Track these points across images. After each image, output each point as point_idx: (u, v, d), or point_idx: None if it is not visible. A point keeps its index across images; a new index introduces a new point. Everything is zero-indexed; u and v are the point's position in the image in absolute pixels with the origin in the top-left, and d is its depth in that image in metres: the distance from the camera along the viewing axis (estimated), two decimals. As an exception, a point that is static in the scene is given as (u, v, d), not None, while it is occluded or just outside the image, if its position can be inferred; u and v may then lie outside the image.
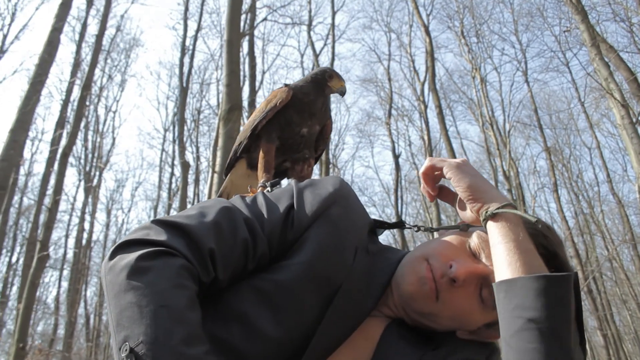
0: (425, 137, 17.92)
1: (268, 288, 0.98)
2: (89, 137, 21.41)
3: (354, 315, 1.04)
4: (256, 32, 16.63)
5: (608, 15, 11.32)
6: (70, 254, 21.43)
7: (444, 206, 26.28)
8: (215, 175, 5.91)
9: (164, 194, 21.11)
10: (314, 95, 1.60)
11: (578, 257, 16.21)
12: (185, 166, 13.28)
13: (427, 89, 17.94)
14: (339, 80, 1.62)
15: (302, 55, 20.61)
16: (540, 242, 1.03)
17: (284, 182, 1.67)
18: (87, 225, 20.68)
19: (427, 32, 17.41)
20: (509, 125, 19.56)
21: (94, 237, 21.90)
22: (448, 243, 1.10)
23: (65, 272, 21.60)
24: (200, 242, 0.92)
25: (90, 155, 21.23)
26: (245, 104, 10.77)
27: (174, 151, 19.84)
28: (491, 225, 0.99)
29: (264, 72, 18.92)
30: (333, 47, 18.70)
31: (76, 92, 13.12)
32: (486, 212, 1.00)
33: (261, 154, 1.59)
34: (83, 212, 20.36)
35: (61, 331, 19.84)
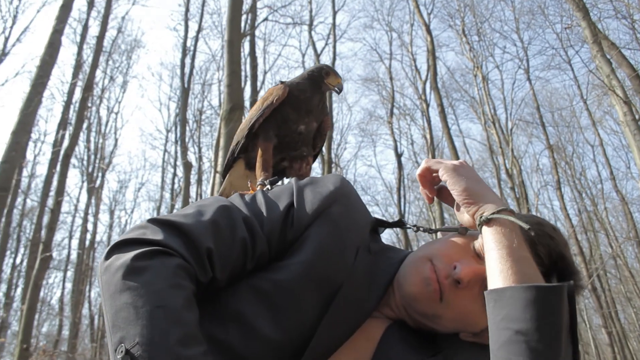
0: (428, 136, 17.91)
1: (267, 288, 0.96)
2: (92, 139, 21.44)
3: (354, 316, 1.03)
4: (257, 33, 16.66)
5: (610, 12, 11.30)
6: (73, 255, 21.47)
7: (447, 205, 26.02)
8: (218, 176, 5.92)
9: (167, 195, 21.13)
10: (310, 92, 1.59)
11: (582, 255, 16.16)
12: (187, 167, 13.28)
13: (429, 87, 17.92)
14: (335, 77, 1.60)
15: (303, 55, 20.59)
16: (547, 243, 1.02)
17: (283, 181, 1.66)
18: (90, 227, 20.71)
19: (428, 31, 17.39)
20: (511, 123, 19.52)
21: (97, 238, 21.92)
22: (452, 243, 1.09)
23: (69, 273, 21.66)
24: (197, 242, 0.91)
25: (92, 157, 21.26)
26: (246, 104, 10.76)
27: (176, 152, 19.89)
28: (485, 231, 0.96)
29: (265, 72, 18.93)
30: (334, 47, 18.68)
31: (78, 94, 13.16)
32: (480, 216, 0.97)
33: (259, 152, 1.58)
34: (86, 214, 20.39)
35: (66, 332, 19.85)
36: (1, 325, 16.55)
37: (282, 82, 1.62)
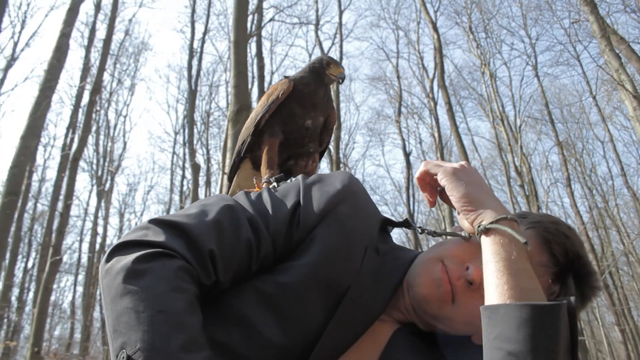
0: (436, 134, 17.85)
1: (271, 290, 0.94)
2: (100, 142, 21.55)
3: (361, 320, 1.00)
4: (264, 33, 16.66)
5: (618, 6, 11.21)
6: (84, 259, 21.62)
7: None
8: (226, 177, 5.91)
9: (176, 197, 21.19)
10: (314, 85, 1.57)
11: (593, 252, 16.04)
12: (195, 168, 13.31)
13: (437, 85, 17.85)
14: (337, 66, 1.58)
15: (310, 55, 20.56)
16: (563, 242, 0.99)
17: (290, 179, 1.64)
18: (100, 230, 20.80)
19: (435, 29, 17.32)
20: (519, 120, 19.41)
21: (108, 242, 21.95)
22: (464, 244, 1.06)
23: (80, 277, 21.80)
24: (199, 243, 0.89)
25: (101, 160, 21.37)
26: (254, 105, 10.78)
27: (184, 154, 19.95)
28: (484, 241, 0.92)
29: (272, 73, 18.92)
30: (341, 46, 18.64)
31: (86, 97, 13.22)
32: (479, 225, 0.93)
33: (264, 149, 1.56)
34: (96, 217, 20.51)
35: (78, 335, 20.00)
36: (14, 328, 16.69)
37: (286, 77, 1.60)
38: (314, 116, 1.58)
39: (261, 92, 13.14)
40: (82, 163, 19.88)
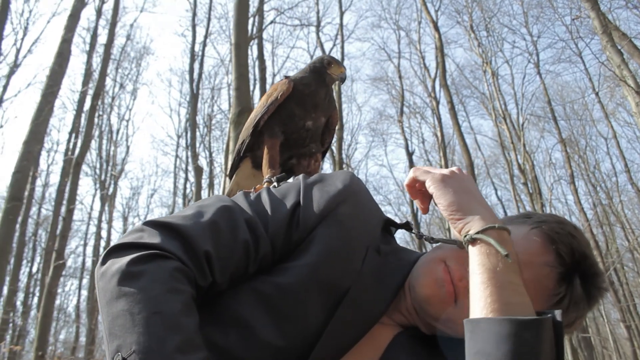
0: (438, 134, 17.84)
1: (269, 291, 0.93)
2: (103, 146, 21.60)
3: (361, 322, 0.98)
4: (265, 35, 16.69)
5: (620, 2, 11.19)
6: (88, 263, 21.66)
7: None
8: (228, 179, 5.91)
9: (179, 200, 21.19)
10: (315, 85, 1.55)
11: (598, 249, 15.96)
12: (198, 171, 13.32)
13: (439, 85, 17.83)
14: (338, 66, 1.56)
15: (311, 57, 20.53)
16: (569, 241, 0.97)
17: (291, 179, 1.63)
18: (104, 234, 20.83)
19: (436, 28, 17.30)
20: (522, 118, 19.36)
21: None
22: None
23: (85, 281, 21.83)
24: (195, 244, 0.88)
25: (105, 164, 21.43)
26: (255, 107, 10.77)
27: (187, 157, 19.92)
28: (470, 251, 0.89)
29: (274, 75, 18.92)
30: (342, 47, 18.63)
31: (88, 102, 13.24)
32: (465, 235, 0.91)
33: (265, 149, 1.55)
34: (100, 221, 20.57)
35: (83, 339, 20.02)
36: (19, 333, 16.72)
37: (286, 77, 1.58)
38: (315, 117, 1.57)
39: (263, 94, 13.12)
40: (85, 168, 19.99)
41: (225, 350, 0.87)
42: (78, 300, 22.10)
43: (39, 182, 19.84)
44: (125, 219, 24.30)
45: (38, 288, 19.37)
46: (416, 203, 1.08)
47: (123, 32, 21.07)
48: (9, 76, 13.90)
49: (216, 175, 18.63)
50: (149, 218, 0.96)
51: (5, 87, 13.55)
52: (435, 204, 1.01)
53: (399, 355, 1.00)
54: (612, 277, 16.95)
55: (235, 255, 0.92)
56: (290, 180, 1.32)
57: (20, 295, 19.09)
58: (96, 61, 15.28)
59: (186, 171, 20.36)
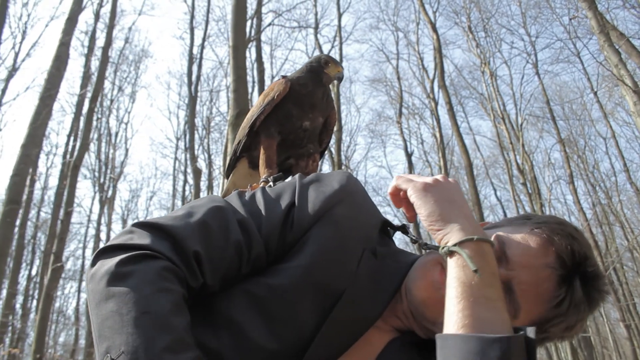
0: (437, 135, 17.85)
1: (262, 293, 0.91)
2: (102, 149, 21.58)
3: (355, 327, 0.96)
4: (263, 38, 16.68)
5: (617, 2, 11.20)
6: (88, 265, 21.63)
7: (459, 203, 25.94)
8: (225, 179, 5.91)
9: (179, 202, 21.15)
10: (312, 85, 1.53)
11: (597, 249, 15.96)
12: (196, 173, 13.29)
13: (437, 86, 17.83)
14: (335, 65, 1.54)
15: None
16: (569, 243, 0.95)
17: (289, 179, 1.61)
18: (103, 236, 20.79)
19: (434, 29, 17.30)
20: (521, 118, 19.37)
21: (111, 248, 22.00)
22: None
23: (84, 284, 21.78)
24: (184, 244, 0.87)
25: (104, 167, 21.41)
26: (254, 108, 10.75)
27: (186, 159, 19.93)
28: (448, 263, 0.87)
29: (272, 77, 18.88)
30: (340, 49, 18.62)
31: (87, 105, 13.23)
32: (442, 247, 0.88)
33: (261, 149, 1.53)
34: (99, 224, 20.54)
35: (82, 341, 19.96)
36: (18, 336, 16.69)
37: (283, 77, 1.57)
38: (312, 117, 1.55)
39: (261, 96, 13.10)
40: (84, 171, 20.00)
41: (216, 353, 0.86)
42: (77, 303, 22.07)
43: (38, 185, 19.84)
44: (124, 221, 24.28)
45: (37, 291, 19.36)
46: (403, 211, 1.05)
47: (121, 35, 21.14)
48: (7, 80, 13.90)
49: (215, 178, 18.63)
50: (139, 220, 0.95)
51: (3, 91, 13.55)
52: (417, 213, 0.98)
53: None
54: (611, 276, 16.95)
55: (226, 256, 0.91)
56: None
57: (20, 299, 19.08)
58: (94, 64, 15.29)
59: (185, 173, 20.35)
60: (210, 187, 18.38)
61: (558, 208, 23.99)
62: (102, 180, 21.10)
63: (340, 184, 1.04)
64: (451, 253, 0.87)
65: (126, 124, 23.12)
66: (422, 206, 0.93)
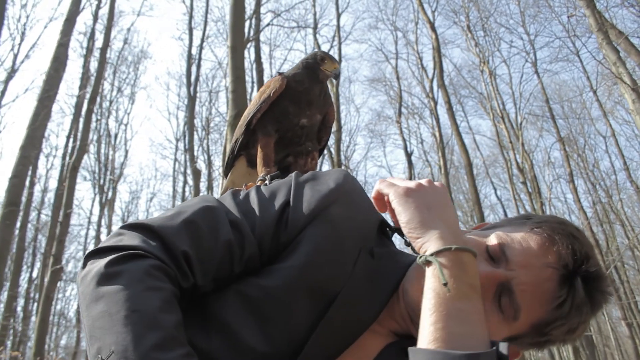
0: (437, 134, 17.84)
1: (255, 294, 0.89)
2: (102, 151, 21.59)
3: (350, 329, 0.94)
4: (262, 38, 16.69)
5: (616, 0, 11.19)
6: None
7: (459, 202, 26.18)
8: (224, 178, 5.91)
9: (179, 204, 21.17)
10: (308, 82, 1.51)
11: (598, 247, 15.97)
12: (196, 174, 13.30)
13: (436, 85, 17.84)
14: (331, 62, 1.51)
15: (308, 59, 20.46)
16: (570, 243, 0.93)
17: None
18: (103, 238, 20.73)
19: (433, 29, 17.31)
20: (520, 117, 19.40)
21: (111, 250, 22.02)
22: None
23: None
24: (172, 244, 0.86)
25: (103, 169, 21.42)
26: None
27: (186, 160, 19.93)
28: (426, 273, 0.84)
29: (271, 77, 18.91)
30: (340, 49, 18.62)
31: (86, 107, 13.24)
32: (420, 257, 0.85)
33: (259, 147, 1.52)
34: (99, 225, 20.56)
35: (84, 344, 19.99)
36: (20, 339, 16.68)
37: (280, 74, 1.55)
38: (309, 114, 1.53)
39: (260, 96, 13.10)
40: (84, 172, 20.01)
41: (208, 355, 0.84)
42: (79, 305, 22.10)
43: (38, 187, 19.90)
44: (124, 223, 24.28)
45: (38, 293, 19.36)
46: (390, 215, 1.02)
47: (120, 36, 21.14)
48: (6, 81, 13.91)
49: (215, 178, 18.61)
50: (128, 222, 0.95)
51: (3, 93, 13.55)
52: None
53: None
54: (612, 275, 16.95)
55: (216, 256, 0.89)
56: None
57: (21, 301, 19.09)
58: (93, 65, 15.31)
59: (185, 174, 20.36)
60: (210, 188, 18.38)
61: (558, 207, 24.03)
62: (102, 182, 21.12)
63: (337, 183, 1.01)
64: (428, 262, 0.83)
65: (126, 125, 23.15)
66: (402, 212, 0.90)
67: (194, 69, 16.30)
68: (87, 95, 12.67)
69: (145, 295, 0.77)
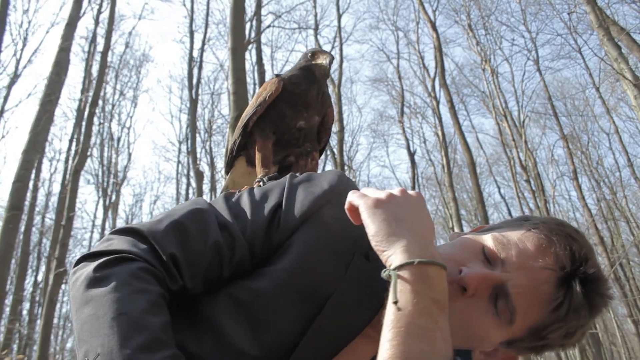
0: (440, 133, 17.80)
1: (245, 297, 0.88)
2: (105, 154, 21.64)
3: (342, 333, 0.92)
4: (263, 40, 16.70)
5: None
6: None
7: (462, 200, 26.15)
8: (224, 177, 5.91)
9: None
10: (305, 84, 1.49)
11: (603, 245, 15.92)
12: (199, 176, 13.30)
13: (438, 84, 17.82)
14: (322, 54, 1.49)
15: (310, 60, 20.45)
16: (568, 244, 0.90)
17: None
18: (108, 242, 20.86)
19: (434, 28, 17.31)
20: (523, 115, 19.35)
21: (116, 253, 22.08)
22: (460, 247, 0.97)
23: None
24: (160, 247, 0.86)
25: (107, 172, 21.46)
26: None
27: (188, 163, 19.94)
28: (390, 288, 0.80)
29: (273, 79, 18.90)
30: (341, 50, 18.66)
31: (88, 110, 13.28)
32: (384, 271, 0.81)
33: (256, 149, 1.51)
34: (103, 229, 20.60)
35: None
36: (26, 342, 16.72)
37: (277, 76, 1.53)
38: (307, 116, 1.51)
39: (261, 97, 13.12)
40: (87, 176, 20.06)
41: (198, 358, 0.84)
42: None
43: (42, 191, 19.95)
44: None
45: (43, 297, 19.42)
46: None
47: (122, 40, 21.20)
48: (9, 87, 13.98)
49: (218, 180, 18.63)
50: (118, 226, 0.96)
51: (6, 98, 13.62)
52: None
53: None
54: (618, 272, 16.90)
55: (205, 258, 0.89)
56: None
57: (26, 305, 19.14)
58: (95, 69, 15.34)
59: (188, 177, 20.37)
60: (213, 190, 18.40)
61: (562, 204, 23.98)
62: (105, 185, 21.17)
63: (330, 185, 1.00)
64: (390, 277, 0.79)
65: (128, 128, 23.25)
66: (369, 224, 0.85)
67: (195, 71, 16.33)
68: (89, 99, 12.70)
69: (132, 298, 0.77)
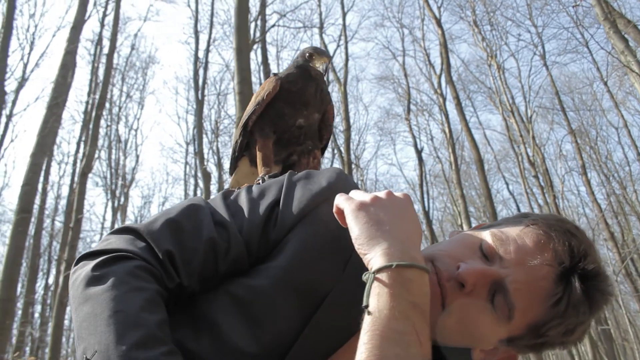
0: (447, 130, 17.75)
1: (242, 294, 0.89)
2: (113, 156, 21.73)
3: (339, 331, 0.92)
4: (269, 39, 16.73)
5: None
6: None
7: (471, 197, 26.06)
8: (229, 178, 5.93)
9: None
10: (302, 82, 1.49)
11: (613, 240, 15.81)
12: (206, 176, 13.32)
13: (444, 81, 17.76)
14: (320, 56, 1.49)
15: (316, 59, 20.47)
16: (567, 239, 0.89)
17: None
18: (117, 243, 20.94)
19: (439, 25, 17.26)
20: (530, 111, 19.22)
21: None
22: (458, 243, 0.96)
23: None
24: (156, 244, 0.87)
25: (115, 174, 21.55)
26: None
27: (196, 164, 19.99)
28: (365, 291, 0.80)
29: (276, 78, 18.89)
30: (346, 48, 18.60)
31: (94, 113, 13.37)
32: (364, 275, 0.80)
33: (257, 149, 1.52)
34: (112, 231, 20.67)
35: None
36: (38, 345, 16.85)
37: (274, 75, 1.54)
38: (306, 114, 1.52)
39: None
40: (96, 178, 20.16)
41: (196, 356, 0.85)
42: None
43: (52, 194, 20.07)
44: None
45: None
46: None
47: (128, 42, 21.28)
48: (17, 91, 14.09)
49: (225, 180, 18.66)
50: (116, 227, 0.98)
51: (14, 102, 13.72)
52: None
53: None
54: (629, 267, 16.77)
55: (200, 254, 0.89)
56: None
57: (38, 308, 19.28)
58: (102, 72, 15.42)
59: (196, 177, 20.42)
60: (221, 190, 18.43)
61: (572, 200, 23.87)
62: (113, 187, 21.27)
63: (329, 182, 1.00)
64: (372, 281, 0.78)
65: (136, 130, 23.37)
66: (352, 227, 0.85)
67: (201, 72, 16.37)
68: (96, 102, 12.77)
69: (129, 295, 0.79)
